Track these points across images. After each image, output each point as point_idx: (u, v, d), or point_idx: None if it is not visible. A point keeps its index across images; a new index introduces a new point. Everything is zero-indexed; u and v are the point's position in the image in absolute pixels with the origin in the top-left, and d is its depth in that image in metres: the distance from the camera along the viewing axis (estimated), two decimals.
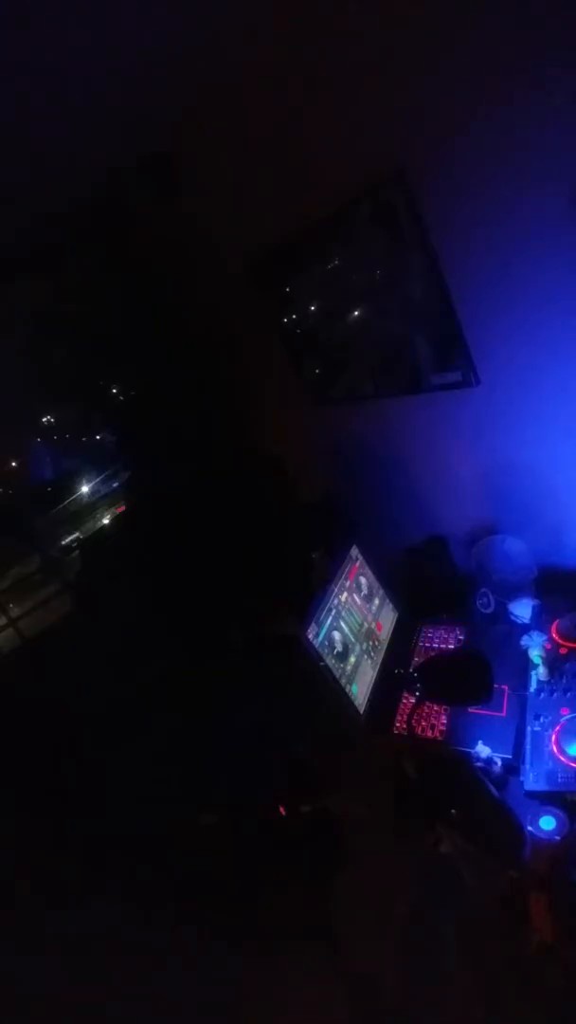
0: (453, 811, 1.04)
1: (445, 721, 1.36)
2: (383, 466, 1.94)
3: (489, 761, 1.19)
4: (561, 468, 1.50)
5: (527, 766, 1.13)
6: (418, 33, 1.09)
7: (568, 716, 1.17)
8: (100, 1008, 1.50)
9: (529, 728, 1.20)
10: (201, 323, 2.17)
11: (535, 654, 1.33)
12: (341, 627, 1.50)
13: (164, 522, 2.20)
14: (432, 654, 1.59)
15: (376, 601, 1.69)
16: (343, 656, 1.46)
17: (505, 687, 1.33)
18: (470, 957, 1.12)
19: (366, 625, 1.60)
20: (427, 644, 1.64)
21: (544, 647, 1.34)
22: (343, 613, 1.54)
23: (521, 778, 1.13)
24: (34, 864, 1.95)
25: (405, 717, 1.40)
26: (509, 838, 1.02)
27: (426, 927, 1.19)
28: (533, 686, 1.30)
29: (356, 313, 1.67)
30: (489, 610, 1.59)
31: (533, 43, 0.99)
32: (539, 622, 1.47)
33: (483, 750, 1.21)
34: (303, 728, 1.63)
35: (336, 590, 1.55)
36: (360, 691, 1.46)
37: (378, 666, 1.57)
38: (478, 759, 1.20)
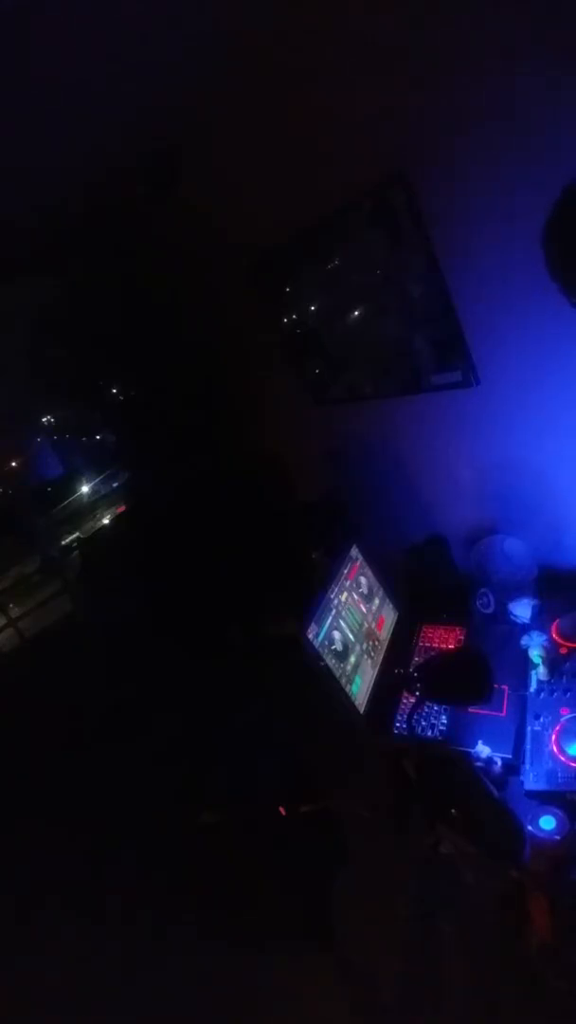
0: (453, 811, 1.04)
1: (445, 721, 1.36)
2: (383, 466, 1.94)
3: (489, 761, 1.19)
4: (561, 468, 1.50)
5: (527, 766, 1.13)
6: (419, 34, 1.09)
7: (568, 716, 1.17)
8: (100, 1007, 1.50)
9: (529, 728, 1.20)
10: (201, 323, 2.17)
11: (535, 654, 1.33)
12: (341, 627, 1.50)
13: (164, 522, 2.20)
14: (432, 654, 1.59)
15: (376, 601, 1.69)
16: (343, 656, 1.46)
17: (505, 687, 1.33)
18: (470, 957, 1.12)
19: (366, 625, 1.60)
20: (427, 644, 1.64)
21: (544, 647, 1.34)
22: (343, 613, 1.54)
23: (521, 778, 1.13)
24: (32, 864, 1.95)
25: (405, 717, 1.40)
26: (509, 838, 1.02)
27: (426, 927, 1.19)
28: (533, 686, 1.30)
29: (356, 313, 1.67)
30: (489, 610, 1.59)
31: (533, 44, 0.99)
32: (539, 622, 1.47)
33: (483, 750, 1.21)
34: (303, 728, 1.63)
35: (336, 590, 1.55)
36: (360, 691, 1.46)
37: (378, 666, 1.57)
38: (478, 759, 1.20)
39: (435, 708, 1.39)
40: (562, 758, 1.11)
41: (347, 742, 1.46)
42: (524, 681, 1.33)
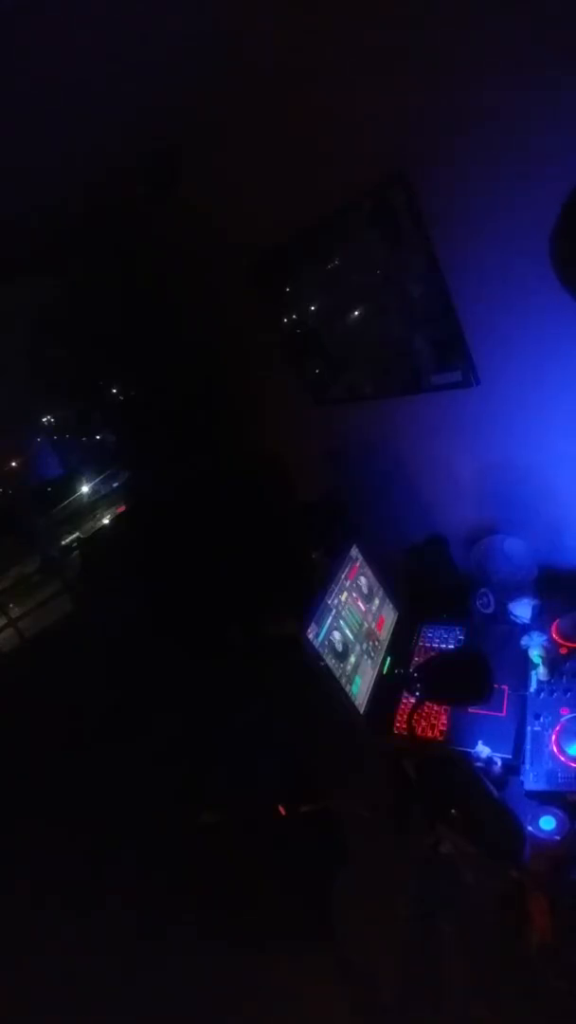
0: (453, 811, 1.04)
1: (445, 721, 1.36)
2: (383, 466, 1.94)
3: (489, 761, 1.19)
4: (561, 468, 1.50)
5: (527, 766, 1.13)
6: (419, 34, 1.09)
7: (568, 716, 1.17)
8: (100, 1007, 1.50)
9: (529, 728, 1.20)
10: (201, 323, 2.17)
11: (535, 654, 1.33)
12: (341, 627, 1.50)
13: (164, 522, 2.20)
14: (432, 654, 1.59)
15: (376, 601, 1.69)
16: (343, 656, 1.46)
17: (505, 687, 1.33)
18: (470, 957, 1.12)
19: (366, 625, 1.60)
20: (427, 644, 1.64)
21: (544, 647, 1.34)
22: (343, 613, 1.54)
23: (521, 778, 1.13)
24: (32, 864, 1.95)
25: (405, 717, 1.40)
26: (509, 838, 1.02)
27: (426, 927, 1.19)
28: (533, 686, 1.30)
29: (356, 313, 1.67)
30: (489, 610, 1.59)
31: (533, 44, 0.99)
32: (539, 622, 1.47)
33: (483, 750, 1.21)
34: (303, 728, 1.63)
35: (336, 590, 1.55)
36: (360, 691, 1.46)
37: (378, 666, 1.57)
38: (478, 759, 1.20)
39: (435, 708, 1.39)
40: (562, 758, 1.11)
41: (347, 742, 1.46)
42: (524, 681, 1.33)
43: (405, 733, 1.32)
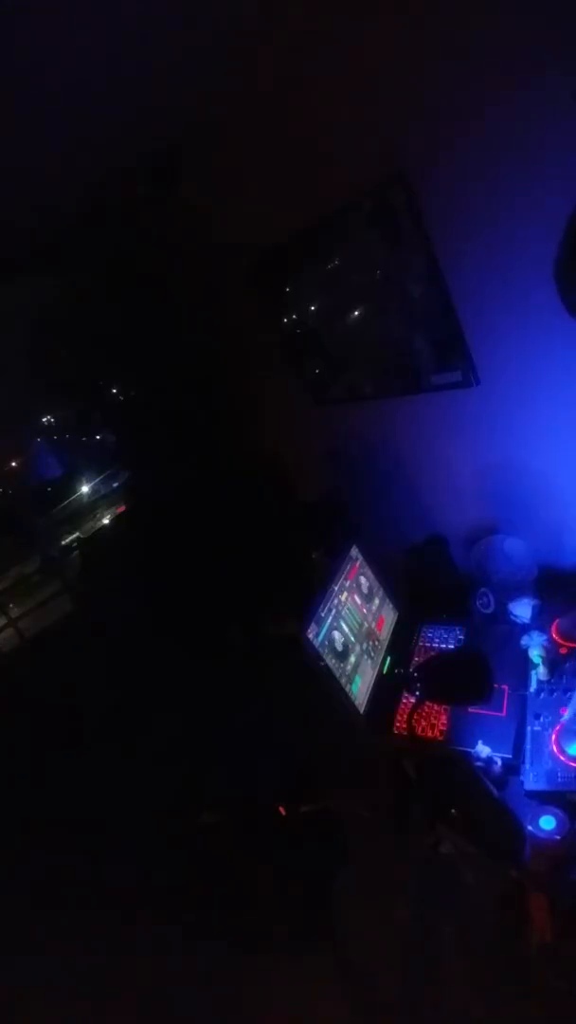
0: (453, 811, 1.04)
1: (445, 721, 1.36)
2: (383, 466, 1.94)
3: (489, 761, 1.19)
4: (561, 468, 1.50)
5: (527, 766, 1.13)
6: (419, 34, 1.09)
7: (568, 716, 1.17)
8: (100, 1007, 1.50)
9: (529, 728, 1.20)
10: (201, 323, 2.17)
11: (535, 654, 1.33)
12: (341, 627, 1.50)
13: (164, 522, 2.21)
14: (432, 654, 1.59)
15: (376, 601, 1.69)
16: (343, 656, 1.46)
17: (505, 687, 1.33)
18: (470, 957, 1.12)
19: (366, 625, 1.60)
20: (427, 644, 1.64)
21: (544, 647, 1.34)
22: (343, 613, 1.54)
23: (521, 778, 1.13)
24: (32, 864, 1.95)
25: (405, 717, 1.40)
26: (509, 838, 1.02)
27: (426, 927, 1.19)
28: (533, 686, 1.30)
29: (356, 313, 1.67)
30: (489, 610, 1.59)
31: (533, 44, 0.99)
32: (539, 622, 1.47)
33: (483, 750, 1.21)
34: (303, 728, 1.63)
35: (336, 590, 1.55)
36: (360, 691, 1.46)
37: (378, 666, 1.57)
38: (478, 759, 1.20)
39: (435, 708, 1.39)
40: (562, 758, 1.11)
41: (347, 742, 1.46)
42: (524, 681, 1.33)
43: (405, 733, 1.32)
